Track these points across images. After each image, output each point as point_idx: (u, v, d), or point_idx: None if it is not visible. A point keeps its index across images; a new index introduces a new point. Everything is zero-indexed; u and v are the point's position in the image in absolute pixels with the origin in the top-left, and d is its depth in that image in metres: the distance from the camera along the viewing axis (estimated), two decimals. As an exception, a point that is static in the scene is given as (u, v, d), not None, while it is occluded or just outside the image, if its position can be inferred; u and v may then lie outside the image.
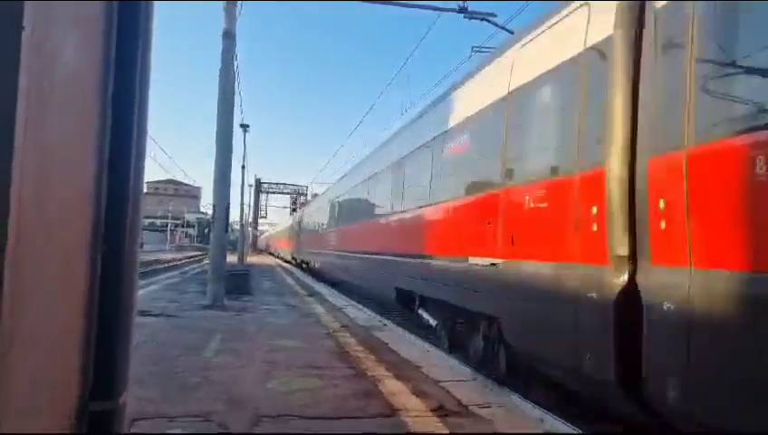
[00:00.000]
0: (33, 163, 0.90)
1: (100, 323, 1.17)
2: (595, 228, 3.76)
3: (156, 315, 8.62)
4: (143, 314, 8.52)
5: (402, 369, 5.57)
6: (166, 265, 31.21)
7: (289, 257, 38.22)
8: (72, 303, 1.11)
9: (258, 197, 66.18)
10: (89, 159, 1.09)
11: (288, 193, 70.96)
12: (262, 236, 79.18)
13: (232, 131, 10.99)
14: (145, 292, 12.76)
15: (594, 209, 3.77)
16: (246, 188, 42.26)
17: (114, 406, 1.24)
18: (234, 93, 11.10)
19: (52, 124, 0.91)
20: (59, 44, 0.91)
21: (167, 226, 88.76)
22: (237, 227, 40.85)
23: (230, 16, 10.48)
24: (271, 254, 59.56)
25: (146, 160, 1.24)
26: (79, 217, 1.05)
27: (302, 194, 65.97)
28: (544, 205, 4.42)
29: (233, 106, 10.92)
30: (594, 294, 3.67)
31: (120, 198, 1.16)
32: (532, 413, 4.32)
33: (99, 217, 1.08)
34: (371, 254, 11.27)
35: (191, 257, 43.54)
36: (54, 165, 0.98)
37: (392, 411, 4.09)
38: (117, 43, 1.10)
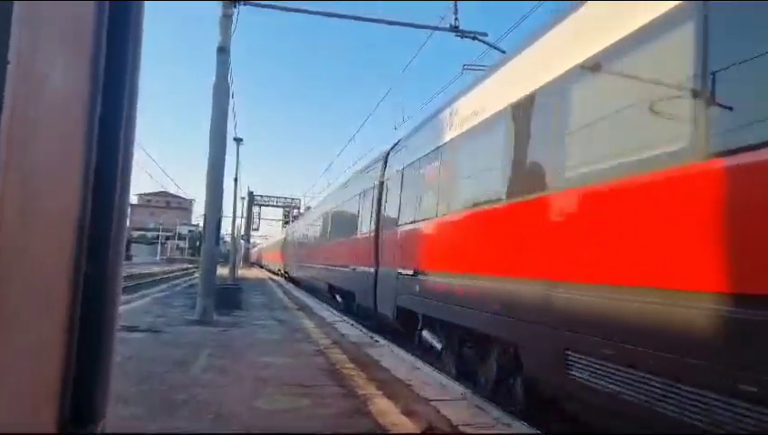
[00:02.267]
0: (16, 185, 0.89)
1: (81, 344, 1.15)
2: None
3: (143, 331, 8.51)
4: (130, 329, 8.41)
5: (392, 387, 5.52)
6: (155, 278, 30.91)
7: (281, 271, 38.86)
8: (54, 323, 1.09)
9: (251, 209, 66.02)
10: (73, 180, 1.08)
11: (281, 206, 70.89)
12: (254, 249, 78.82)
13: (225, 145, 10.99)
14: (133, 306, 12.62)
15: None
16: (239, 201, 42.16)
17: (94, 430, 1.21)
18: (227, 107, 11.12)
19: (36, 148, 0.91)
20: (46, 70, 0.91)
21: (158, 238, 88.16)
22: (229, 239, 40.66)
23: (224, 32, 10.55)
24: (262, 267, 59.26)
25: (133, 177, 1.24)
26: (61, 239, 1.03)
27: (295, 207, 65.91)
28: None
29: (226, 120, 10.94)
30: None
31: (104, 220, 1.15)
32: (525, 432, 4.28)
33: (82, 238, 1.07)
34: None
35: (182, 270, 43.18)
36: (38, 187, 0.97)
37: (381, 432, 4.04)
38: (105, 64, 1.09)
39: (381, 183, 11.17)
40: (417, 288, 7.83)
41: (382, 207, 10.79)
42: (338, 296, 15.49)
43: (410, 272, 8.20)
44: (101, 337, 1.20)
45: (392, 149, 11.17)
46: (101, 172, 1.12)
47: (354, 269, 12.39)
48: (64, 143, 1.01)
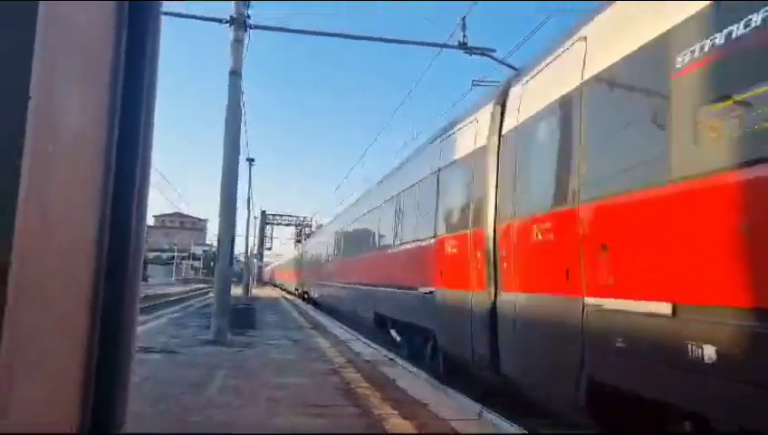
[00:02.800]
0: (36, 217, 0.91)
1: (100, 364, 1.17)
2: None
3: (158, 352, 8.54)
4: (145, 350, 8.45)
5: (408, 407, 5.46)
6: (170, 298, 31.10)
7: (298, 290, 37.91)
8: (74, 349, 1.11)
9: (263, 229, 66.42)
10: (91, 209, 1.11)
11: (293, 224, 71.24)
12: (267, 268, 79.02)
13: (238, 166, 11.13)
14: (149, 327, 12.69)
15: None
16: (252, 220, 42.46)
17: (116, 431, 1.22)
18: (239, 128, 11.28)
19: (55, 181, 0.93)
20: (63, 108, 0.94)
21: (173, 258, 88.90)
22: (243, 259, 40.85)
23: (236, 56, 10.75)
24: (275, 286, 59.31)
25: (149, 199, 1.27)
26: (80, 269, 1.06)
27: (307, 225, 66.17)
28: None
29: (239, 141, 11.08)
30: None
31: (122, 245, 1.17)
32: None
33: (100, 269, 1.09)
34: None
35: (196, 290, 43.40)
36: (57, 218, 0.99)
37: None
38: (122, 99, 1.13)
39: (499, 140, 6.21)
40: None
41: (506, 186, 5.93)
42: (393, 332, 10.56)
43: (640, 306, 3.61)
44: (119, 350, 1.21)
45: (517, 77, 6.40)
46: (119, 200, 1.15)
47: (431, 294, 7.91)
48: (82, 175, 1.03)
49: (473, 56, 12.55)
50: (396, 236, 10.84)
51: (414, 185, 9.69)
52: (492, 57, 12.72)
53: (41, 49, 0.86)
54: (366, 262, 13.48)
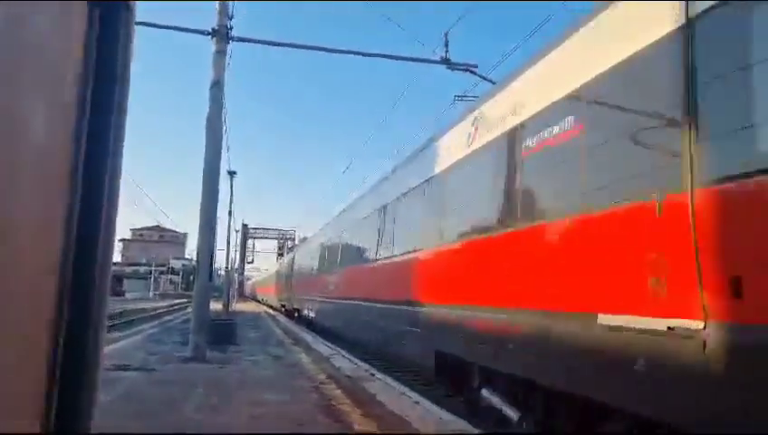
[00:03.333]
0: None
1: (65, 365, 1.11)
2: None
3: (135, 369, 8.33)
4: (121, 368, 8.23)
5: (389, 422, 5.39)
6: (148, 314, 30.46)
7: (276, 304, 35.93)
8: (34, 384, 1.06)
9: (245, 242, 65.76)
10: (55, 232, 1.07)
11: (275, 238, 70.70)
12: (248, 282, 78.05)
13: (218, 179, 11.01)
14: (125, 344, 12.39)
15: None
16: (233, 234, 41.99)
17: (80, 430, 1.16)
18: (221, 141, 11.18)
19: (16, 203, 0.89)
20: (25, 119, 0.90)
21: (151, 273, 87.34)
22: (223, 272, 40.29)
23: (218, 68, 10.70)
24: (257, 300, 58.53)
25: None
26: (42, 296, 1.01)
27: (290, 238, 65.71)
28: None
29: (220, 154, 10.98)
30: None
31: (87, 274, 1.12)
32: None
33: (63, 295, 1.05)
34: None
35: (175, 305, 42.60)
36: (20, 239, 0.95)
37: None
38: (90, 110, 1.09)
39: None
40: None
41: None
42: (492, 394, 5.91)
43: None
44: (86, 351, 1.16)
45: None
46: (86, 213, 1.10)
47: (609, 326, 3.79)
48: (47, 192, 0.99)
49: (455, 71, 12.71)
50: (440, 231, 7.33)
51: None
52: (474, 72, 12.89)
53: (1, 61, 0.82)
54: (398, 268, 8.96)
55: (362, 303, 11.35)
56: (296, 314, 24.54)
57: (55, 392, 1.02)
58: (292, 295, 25.94)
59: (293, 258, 28.48)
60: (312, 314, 19.11)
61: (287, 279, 29.24)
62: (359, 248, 13.10)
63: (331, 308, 15.30)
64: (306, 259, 22.60)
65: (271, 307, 40.21)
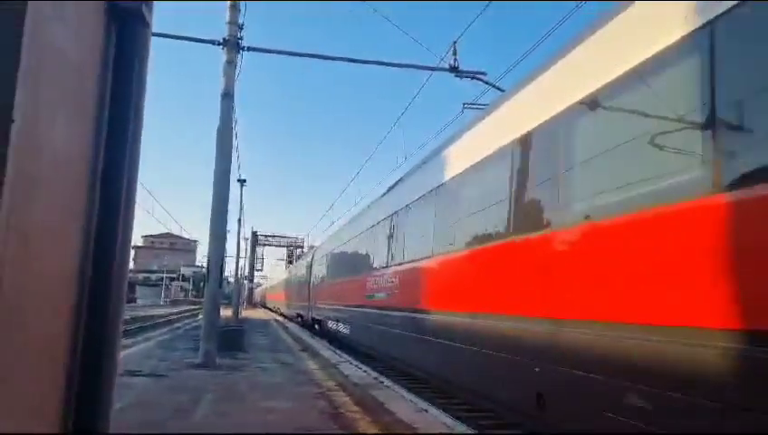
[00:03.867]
0: (18, 243, 0.91)
1: (84, 368, 1.14)
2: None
3: (145, 375, 8.39)
4: (132, 374, 8.30)
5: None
6: (159, 320, 30.63)
7: (290, 313, 33.21)
8: (53, 386, 1.09)
9: (254, 249, 66.04)
10: (74, 239, 1.10)
11: (284, 245, 70.88)
12: (258, 290, 78.27)
13: (229, 188, 11.11)
14: (136, 350, 12.48)
15: None
16: (242, 241, 42.20)
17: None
18: (231, 150, 11.29)
19: (36, 211, 0.93)
20: (47, 132, 0.94)
21: (162, 280, 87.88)
22: (233, 280, 40.46)
23: (228, 77, 10.83)
24: (266, 308, 58.64)
25: (137, 220, 1.26)
26: (60, 301, 1.04)
27: (299, 246, 65.86)
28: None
29: (230, 162, 11.08)
30: None
31: (104, 281, 1.16)
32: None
33: (81, 300, 1.08)
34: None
35: (185, 312, 42.80)
36: (38, 249, 0.98)
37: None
38: (108, 123, 1.13)
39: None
40: None
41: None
42: None
43: None
44: (103, 357, 1.19)
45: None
46: (103, 224, 1.14)
47: None
48: (66, 200, 1.03)
49: (464, 79, 12.75)
50: None
51: None
52: (482, 80, 12.92)
53: (24, 71, 0.86)
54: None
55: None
56: (316, 327, 20.25)
57: (74, 394, 1.05)
58: (313, 303, 21.42)
59: (312, 261, 23.73)
60: (341, 329, 15.05)
61: (305, 282, 24.64)
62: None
63: (380, 321, 10.85)
64: (332, 259, 18.02)
65: (283, 315, 39.12)
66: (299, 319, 26.02)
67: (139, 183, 1.37)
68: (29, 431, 0.95)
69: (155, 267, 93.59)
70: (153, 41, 1.43)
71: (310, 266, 23.62)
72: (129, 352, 11.69)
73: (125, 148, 1.16)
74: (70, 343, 1.06)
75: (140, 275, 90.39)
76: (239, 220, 35.19)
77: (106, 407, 1.20)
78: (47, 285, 0.99)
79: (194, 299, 75.77)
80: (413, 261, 9.30)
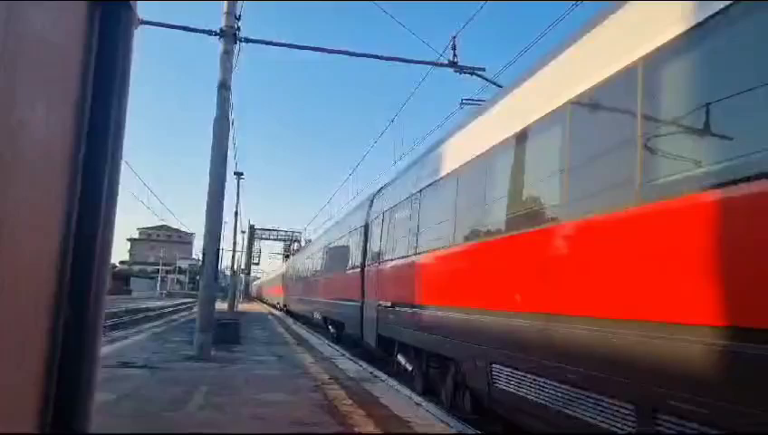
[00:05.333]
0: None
1: (62, 364, 1.11)
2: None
3: (140, 367, 8.37)
4: (126, 365, 8.29)
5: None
6: (154, 312, 30.60)
7: (284, 306, 33.29)
8: (29, 384, 1.06)
9: (252, 243, 65.92)
10: (53, 228, 1.07)
11: (282, 239, 70.75)
12: (255, 283, 78.25)
13: (225, 181, 11.04)
14: (130, 342, 12.46)
15: None
16: (239, 234, 42.14)
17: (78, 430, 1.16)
18: (228, 141, 11.23)
19: (14, 197, 0.90)
20: (24, 117, 0.91)
21: (158, 272, 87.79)
22: (229, 272, 40.41)
23: (225, 68, 10.75)
24: (263, 301, 58.60)
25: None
26: (38, 293, 1.01)
27: (296, 240, 65.75)
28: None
29: (226, 154, 11.01)
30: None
31: (85, 272, 1.12)
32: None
33: (61, 292, 1.05)
34: None
35: (181, 304, 42.78)
36: (14, 238, 0.95)
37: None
38: (90, 110, 1.10)
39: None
40: None
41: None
42: None
43: None
44: (83, 351, 1.15)
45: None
46: (85, 216, 1.11)
47: None
48: (46, 187, 1.00)
49: (463, 75, 12.68)
50: None
51: None
52: (481, 76, 12.86)
53: (1, 56, 0.83)
54: None
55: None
56: (324, 321, 17.64)
57: (52, 392, 1.02)
58: (319, 304, 18.64)
59: (325, 236, 20.45)
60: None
61: (305, 280, 22.51)
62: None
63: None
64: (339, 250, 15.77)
65: (292, 314, 36.22)
66: (314, 318, 20.54)
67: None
68: (3, 431, 0.93)
69: (151, 259, 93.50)
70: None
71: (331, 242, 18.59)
72: (123, 344, 11.68)
73: (108, 134, 1.12)
74: (48, 337, 1.03)
75: (136, 268, 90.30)
76: (236, 213, 35.12)
77: (87, 405, 1.17)
78: (25, 278, 0.96)
79: (190, 292, 75.70)
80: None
